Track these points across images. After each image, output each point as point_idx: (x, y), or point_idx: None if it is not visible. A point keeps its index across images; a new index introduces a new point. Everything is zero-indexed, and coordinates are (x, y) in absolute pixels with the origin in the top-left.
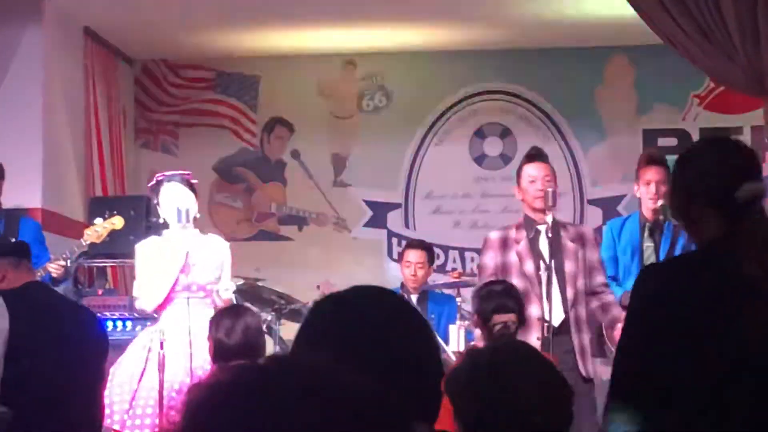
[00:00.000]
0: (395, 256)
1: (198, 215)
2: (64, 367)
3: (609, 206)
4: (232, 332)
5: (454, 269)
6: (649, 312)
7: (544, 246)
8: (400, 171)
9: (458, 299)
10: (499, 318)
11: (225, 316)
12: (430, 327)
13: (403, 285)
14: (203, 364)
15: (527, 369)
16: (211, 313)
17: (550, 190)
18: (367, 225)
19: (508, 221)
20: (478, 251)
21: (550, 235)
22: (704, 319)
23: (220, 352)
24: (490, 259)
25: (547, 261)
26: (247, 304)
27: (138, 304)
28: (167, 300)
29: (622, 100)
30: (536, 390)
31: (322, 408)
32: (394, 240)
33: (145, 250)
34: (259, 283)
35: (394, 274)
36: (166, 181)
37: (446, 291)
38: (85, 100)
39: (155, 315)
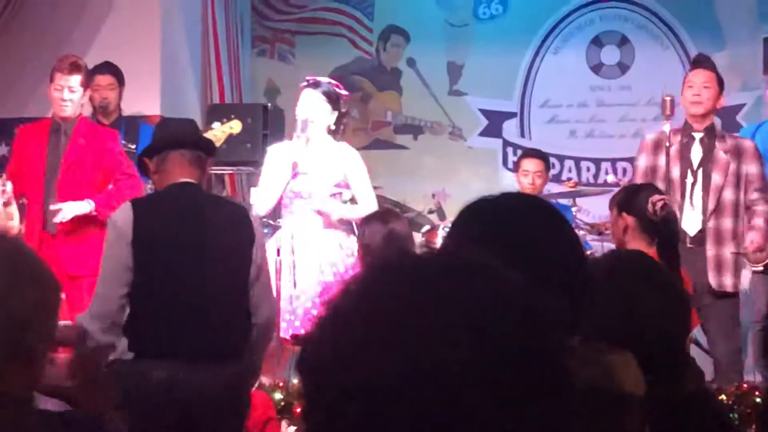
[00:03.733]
0: (510, 165)
1: (318, 121)
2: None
3: (728, 115)
4: (377, 236)
5: (569, 179)
6: None
7: (696, 153)
8: (516, 80)
9: (574, 209)
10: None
11: (372, 220)
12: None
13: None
14: (305, 272)
15: (645, 280)
16: (322, 223)
17: (668, 98)
18: (482, 134)
19: (625, 131)
20: (594, 161)
21: (705, 142)
22: None
23: (366, 254)
24: (642, 161)
25: (695, 169)
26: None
27: (254, 209)
28: (283, 206)
29: (743, 8)
30: (652, 302)
31: (473, 293)
32: (509, 149)
33: (271, 155)
34: (375, 192)
35: (509, 183)
36: (306, 87)
37: (562, 201)
38: (203, 8)
39: (271, 222)
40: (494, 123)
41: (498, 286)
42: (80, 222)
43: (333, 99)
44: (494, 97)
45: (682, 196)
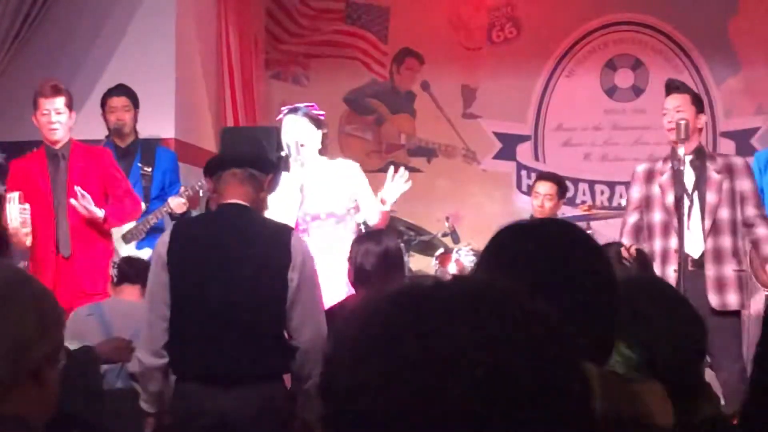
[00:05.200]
0: (524, 188)
1: (311, 143)
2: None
3: (742, 139)
4: (371, 257)
5: (583, 202)
6: None
7: (689, 177)
8: (530, 103)
9: (588, 232)
10: None
11: (365, 240)
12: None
13: (532, 218)
14: (332, 291)
15: (658, 301)
16: (344, 236)
17: (682, 122)
18: (496, 157)
19: (639, 154)
20: (608, 184)
21: (696, 164)
22: None
23: (358, 276)
24: (636, 192)
25: (690, 192)
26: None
27: None
28: (301, 232)
29: (758, 31)
30: (664, 324)
31: (488, 322)
32: (524, 172)
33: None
34: (390, 214)
35: (523, 206)
36: (285, 115)
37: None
38: (217, 31)
39: None
40: (508, 146)
41: (519, 319)
42: (90, 243)
43: (315, 120)
44: (508, 120)
45: (680, 220)
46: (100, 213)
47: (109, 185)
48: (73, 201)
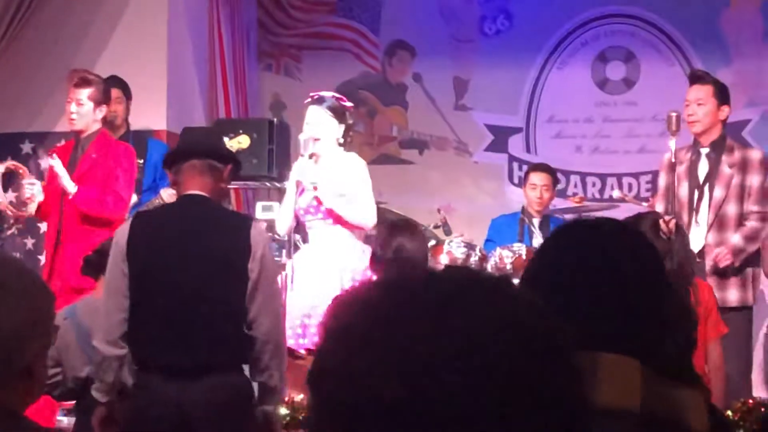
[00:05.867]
0: (516, 180)
1: (339, 138)
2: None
3: (734, 131)
4: (386, 247)
5: (575, 194)
6: None
7: (702, 169)
8: (522, 95)
9: None
10: None
11: (385, 230)
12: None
13: (524, 209)
14: (327, 284)
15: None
16: (338, 233)
17: (674, 114)
18: (488, 149)
19: (630, 147)
20: (600, 176)
21: (711, 157)
22: None
23: (375, 264)
24: (662, 180)
25: (701, 185)
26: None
27: (276, 228)
28: (301, 225)
29: (749, 23)
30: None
31: (467, 317)
32: (515, 164)
33: (292, 173)
34: (381, 206)
35: (515, 198)
36: (311, 104)
37: (568, 216)
38: (209, 23)
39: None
40: (500, 138)
41: (514, 311)
42: (82, 236)
43: (339, 113)
44: (500, 112)
45: (690, 213)
46: (71, 188)
47: (108, 182)
48: (51, 160)
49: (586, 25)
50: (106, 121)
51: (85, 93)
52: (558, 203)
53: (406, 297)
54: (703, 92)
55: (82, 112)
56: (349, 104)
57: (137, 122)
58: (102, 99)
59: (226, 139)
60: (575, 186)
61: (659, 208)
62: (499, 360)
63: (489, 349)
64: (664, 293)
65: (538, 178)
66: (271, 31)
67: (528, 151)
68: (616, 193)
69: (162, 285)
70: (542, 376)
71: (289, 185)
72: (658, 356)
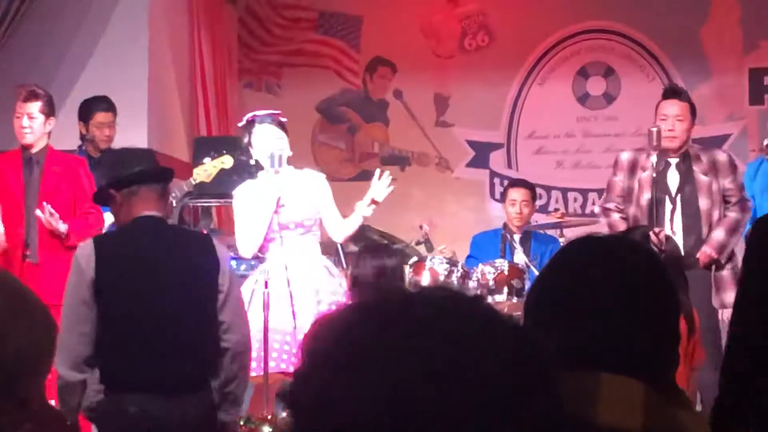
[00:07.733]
0: (497, 196)
1: (290, 154)
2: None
3: (713, 145)
4: (367, 270)
5: (556, 209)
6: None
7: (673, 179)
8: (503, 111)
9: (561, 240)
10: None
11: (365, 253)
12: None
13: (505, 225)
14: (304, 302)
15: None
16: (312, 247)
17: (654, 129)
18: (469, 165)
19: (611, 161)
20: (581, 191)
21: (681, 168)
22: None
23: (352, 286)
24: (620, 181)
25: (673, 195)
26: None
27: (239, 251)
28: (268, 241)
29: (728, 38)
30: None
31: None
32: (497, 180)
33: (242, 196)
34: (363, 223)
35: (497, 214)
36: (258, 123)
37: (549, 231)
38: (190, 41)
39: (260, 255)
40: (481, 154)
41: (491, 332)
42: (58, 252)
43: (284, 127)
44: (481, 128)
45: (658, 222)
46: (63, 228)
47: (78, 197)
48: (38, 212)
49: (567, 40)
50: (93, 142)
51: (35, 106)
52: (539, 218)
53: (382, 320)
54: (681, 109)
55: (35, 126)
56: (284, 119)
57: (119, 140)
58: (50, 112)
59: (208, 160)
60: (557, 201)
61: (613, 205)
62: (476, 381)
63: (466, 371)
64: (675, 315)
65: (517, 194)
66: (252, 49)
67: (509, 166)
68: (597, 209)
69: (138, 309)
70: (520, 396)
71: (250, 204)
72: (663, 377)
